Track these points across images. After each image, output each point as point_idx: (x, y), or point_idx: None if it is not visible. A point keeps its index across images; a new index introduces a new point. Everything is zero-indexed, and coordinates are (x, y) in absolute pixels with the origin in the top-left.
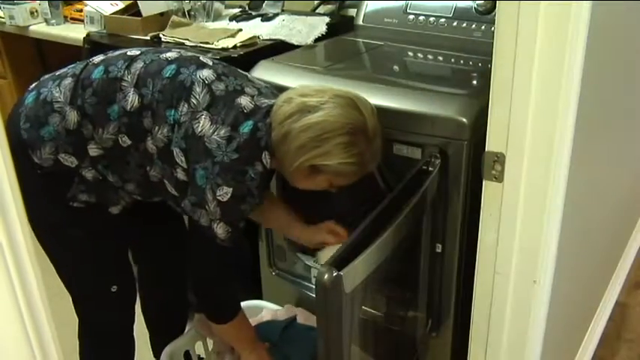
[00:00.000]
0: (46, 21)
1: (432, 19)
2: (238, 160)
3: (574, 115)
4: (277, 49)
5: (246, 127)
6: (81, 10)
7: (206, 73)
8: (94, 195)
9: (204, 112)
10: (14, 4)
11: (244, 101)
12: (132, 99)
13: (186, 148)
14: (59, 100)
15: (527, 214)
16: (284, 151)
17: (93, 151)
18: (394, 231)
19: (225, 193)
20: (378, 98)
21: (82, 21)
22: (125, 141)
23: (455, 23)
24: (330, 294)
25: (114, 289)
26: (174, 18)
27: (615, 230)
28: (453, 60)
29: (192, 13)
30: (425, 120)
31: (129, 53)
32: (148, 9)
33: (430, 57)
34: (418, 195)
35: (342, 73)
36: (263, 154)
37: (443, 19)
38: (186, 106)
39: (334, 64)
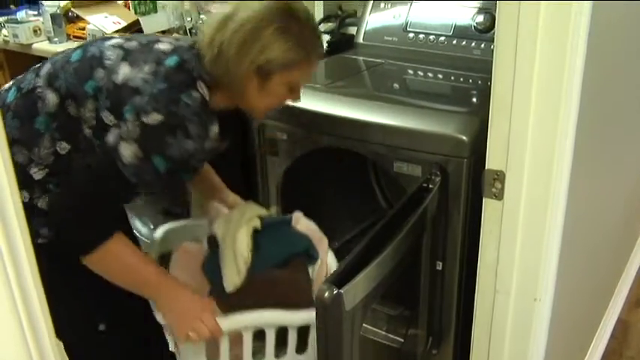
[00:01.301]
0: (49, 39)
1: (431, 37)
2: (169, 89)
3: (573, 132)
4: None
5: (171, 61)
6: (83, 29)
7: (114, 40)
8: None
9: (122, 63)
10: (18, 23)
11: (163, 46)
12: (50, 98)
13: (112, 102)
14: None
15: (528, 231)
16: (225, 69)
17: (37, 174)
18: (394, 248)
19: (153, 118)
20: (378, 116)
21: (85, 39)
22: (64, 147)
23: (454, 41)
24: (330, 312)
25: (101, 327)
26: (175, 36)
27: (616, 247)
28: (452, 78)
29: (194, 30)
30: (425, 137)
31: (36, 67)
32: (149, 27)
33: (430, 75)
34: (418, 212)
35: (342, 90)
36: (197, 83)
37: (442, 37)
38: (101, 70)
39: (335, 81)
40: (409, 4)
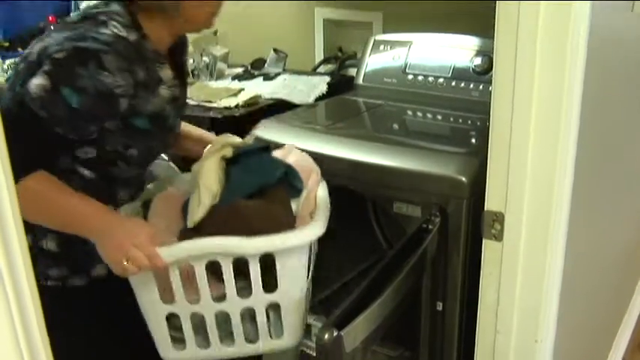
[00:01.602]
0: None
1: (430, 78)
2: (75, 34)
3: (572, 174)
4: (279, 107)
5: (74, 16)
6: None
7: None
8: (63, 258)
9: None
10: None
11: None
12: None
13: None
14: None
15: (528, 273)
16: None
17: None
18: (395, 289)
19: (62, 53)
20: (378, 157)
21: None
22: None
23: (453, 83)
24: (330, 354)
25: None
26: None
27: (618, 288)
28: (451, 119)
29: (196, 72)
30: (424, 178)
31: None
32: None
33: (429, 116)
34: (418, 253)
35: (342, 132)
36: (108, 24)
37: (441, 79)
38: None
39: (335, 123)
40: (408, 46)
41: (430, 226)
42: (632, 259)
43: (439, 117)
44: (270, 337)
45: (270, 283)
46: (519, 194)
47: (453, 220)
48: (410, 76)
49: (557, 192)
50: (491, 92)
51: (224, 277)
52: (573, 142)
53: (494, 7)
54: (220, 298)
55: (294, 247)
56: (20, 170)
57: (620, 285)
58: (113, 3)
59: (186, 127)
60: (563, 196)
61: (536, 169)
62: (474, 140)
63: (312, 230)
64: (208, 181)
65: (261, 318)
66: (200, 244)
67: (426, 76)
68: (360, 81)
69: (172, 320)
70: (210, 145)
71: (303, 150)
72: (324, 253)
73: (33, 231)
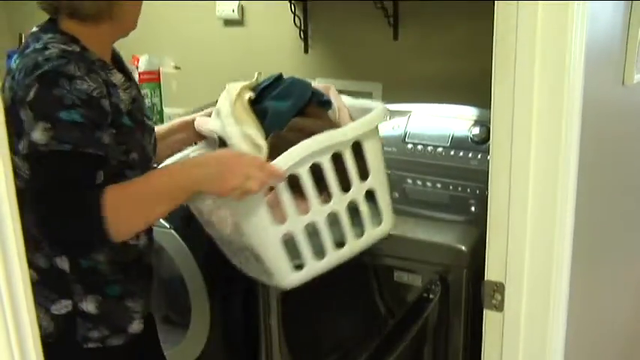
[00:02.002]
0: None
1: (429, 147)
2: (24, 67)
3: (570, 244)
4: None
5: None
6: None
7: None
8: (102, 319)
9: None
10: None
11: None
12: None
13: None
14: None
15: (530, 343)
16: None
17: (63, 262)
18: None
19: (31, 89)
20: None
21: None
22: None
23: (452, 152)
24: None
25: None
26: None
27: (622, 356)
28: (451, 187)
29: None
30: (424, 247)
31: None
32: None
33: (429, 184)
34: (419, 323)
35: None
36: (49, 46)
37: (440, 148)
38: None
39: None
40: (407, 116)
41: (431, 296)
42: (635, 325)
43: (439, 185)
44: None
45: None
46: (519, 264)
47: (454, 289)
48: (409, 145)
49: (557, 262)
50: (489, 161)
51: (327, 175)
52: (571, 212)
53: (491, 78)
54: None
55: (377, 125)
56: (93, 201)
57: (624, 353)
58: (41, 31)
59: (160, 127)
60: (563, 266)
61: (535, 239)
62: (473, 209)
63: (379, 112)
64: (248, 125)
65: (364, 207)
66: (307, 144)
67: (425, 145)
68: None
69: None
70: (219, 101)
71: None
72: (324, 320)
73: (71, 295)
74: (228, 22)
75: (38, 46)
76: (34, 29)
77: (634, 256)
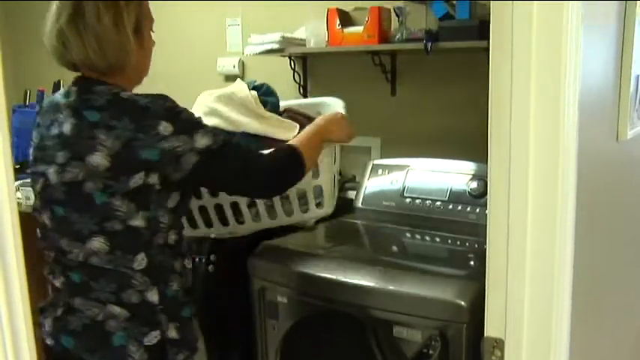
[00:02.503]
0: None
1: (428, 202)
2: (138, 105)
3: (570, 299)
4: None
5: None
6: None
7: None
8: (183, 342)
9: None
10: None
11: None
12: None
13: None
14: None
15: None
16: (113, 50)
17: (153, 295)
18: None
19: (163, 123)
20: (377, 281)
21: None
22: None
23: (450, 206)
24: None
25: None
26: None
27: None
28: (449, 241)
29: None
30: (424, 303)
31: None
32: None
33: (428, 238)
34: None
35: (342, 255)
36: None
37: (439, 202)
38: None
39: (335, 246)
40: (406, 171)
41: (431, 351)
42: None
43: (437, 239)
44: None
45: None
46: (518, 320)
47: (454, 345)
48: (408, 200)
49: (556, 317)
50: (487, 215)
51: None
52: (569, 266)
53: (487, 133)
54: None
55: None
56: (293, 152)
57: None
58: (85, 84)
59: None
60: (563, 321)
61: (534, 295)
62: (472, 263)
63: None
64: (273, 117)
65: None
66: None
67: (423, 200)
68: (360, 204)
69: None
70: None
71: (304, 273)
72: None
73: (159, 325)
74: (229, 78)
75: (107, 97)
76: (70, 89)
77: (632, 307)
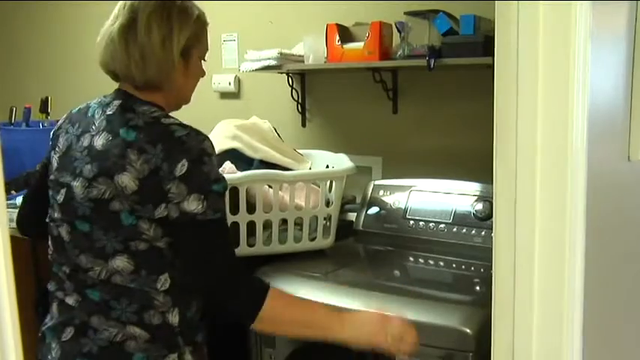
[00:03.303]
0: None
1: (431, 224)
2: (174, 136)
3: (580, 330)
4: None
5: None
6: None
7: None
8: None
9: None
10: (16, 208)
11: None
12: None
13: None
14: None
15: None
16: (155, 70)
17: (158, 319)
18: None
19: (181, 165)
20: (378, 307)
21: None
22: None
23: (455, 229)
24: None
25: None
26: None
27: None
28: (454, 265)
29: None
30: (427, 330)
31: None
32: None
33: (431, 262)
34: None
35: (342, 279)
36: (153, 113)
37: (442, 225)
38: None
39: (334, 270)
40: (408, 192)
41: None
42: None
43: (441, 263)
44: None
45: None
46: (526, 350)
47: None
48: (411, 222)
49: (566, 347)
50: (493, 238)
51: None
52: (580, 293)
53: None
54: None
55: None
56: (258, 290)
57: None
58: (125, 100)
59: None
60: (573, 352)
61: (543, 324)
62: (478, 288)
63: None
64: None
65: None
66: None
67: (427, 222)
68: (360, 226)
69: None
70: None
71: (302, 298)
72: None
73: (177, 347)
74: (225, 95)
75: (147, 119)
76: (111, 101)
77: None
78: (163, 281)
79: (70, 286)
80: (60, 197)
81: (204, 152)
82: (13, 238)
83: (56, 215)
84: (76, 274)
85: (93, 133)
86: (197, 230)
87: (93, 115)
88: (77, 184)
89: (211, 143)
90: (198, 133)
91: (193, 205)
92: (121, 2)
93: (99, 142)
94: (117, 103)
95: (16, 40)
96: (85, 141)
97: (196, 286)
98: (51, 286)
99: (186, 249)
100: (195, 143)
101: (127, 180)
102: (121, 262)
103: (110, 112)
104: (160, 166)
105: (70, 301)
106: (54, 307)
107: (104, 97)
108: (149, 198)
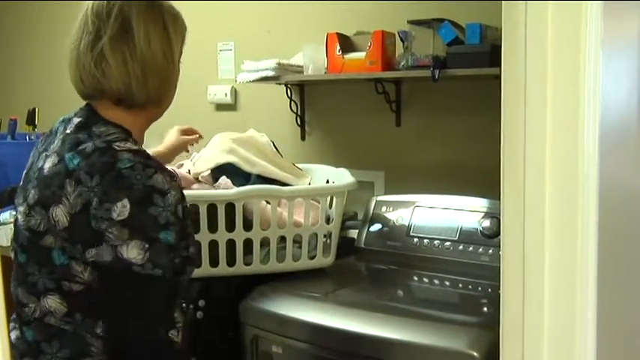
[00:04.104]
0: None
1: (436, 242)
2: (114, 170)
3: (594, 354)
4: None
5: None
6: None
7: None
8: None
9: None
10: (1, 225)
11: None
12: None
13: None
14: None
15: None
16: (158, 82)
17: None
18: None
19: (120, 206)
20: (381, 329)
21: None
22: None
23: (461, 247)
24: None
25: None
26: None
27: None
28: (460, 285)
29: None
30: (432, 353)
31: None
32: None
33: (436, 281)
34: None
35: (342, 300)
36: (118, 144)
37: (448, 242)
38: None
39: (334, 290)
40: (412, 208)
41: None
42: None
43: (447, 283)
44: None
45: None
46: None
47: None
48: (414, 239)
49: None
50: (500, 257)
51: None
52: (593, 314)
53: (500, 170)
54: None
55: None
56: None
57: None
58: (85, 120)
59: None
60: None
61: (554, 347)
62: (485, 309)
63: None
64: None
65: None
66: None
67: (431, 239)
68: (362, 244)
69: None
70: None
71: (301, 320)
72: None
73: None
74: (220, 107)
75: (98, 143)
76: (73, 117)
77: None
78: (104, 327)
79: (17, 319)
80: (15, 221)
81: (154, 189)
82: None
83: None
84: (18, 308)
85: (48, 154)
86: (129, 281)
87: (55, 133)
88: (21, 210)
89: (166, 177)
90: (147, 165)
91: (133, 252)
92: (85, 12)
93: (47, 165)
94: (76, 120)
95: (3, 49)
96: (41, 161)
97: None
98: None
99: (109, 299)
100: (140, 178)
101: (59, 214)
102: (53, 303)
103: (68, 131)
104: (91, 202)
105: (13, 336)
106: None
107: (75, 111)
108: (79, 237)
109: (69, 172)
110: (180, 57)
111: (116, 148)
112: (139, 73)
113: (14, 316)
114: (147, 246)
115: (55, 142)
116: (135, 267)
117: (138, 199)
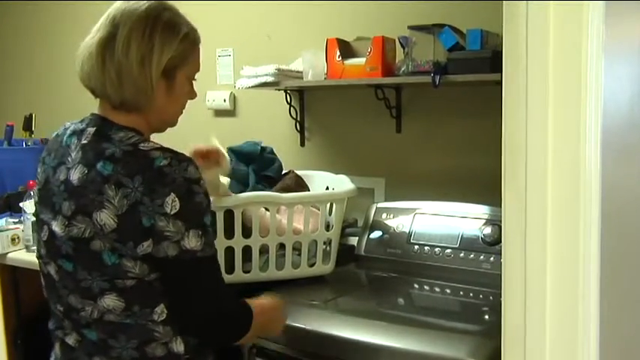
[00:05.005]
0: (27, 247)
1: (437, 249)
2: (155, 169)
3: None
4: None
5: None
6: None
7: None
8: None
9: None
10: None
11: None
12: None
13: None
14: None
15: None
16: (132, 90)
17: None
18: None
19: (170, 200)
20: (381, 337)
21: None
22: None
23: (462, 254)
24: None
25: None
26: None
27: None
28: (461, 293)
29: None
30: None
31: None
32: None
33: (437, 289)
34: None
35: (342, 307)
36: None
37: (449, 250)
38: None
39: (335, 297)
40: (413, 215)
41: None
42: None
43: (448, 291)
44: None
45: None
46: None
47: None
48: (415, 246)
49: None
50: (502, 264)
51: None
52: (595, 322)
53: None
54: None
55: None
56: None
57: None
58: (101, 127)
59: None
60: None
61: (555, 356)
62: (487, 317)
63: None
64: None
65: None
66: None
67: (432, 247)
68: (362, 251)
69: None
70: None
71: (300, 329)
72: None
73: None
74: (219, 113)
75: (125, 147)
76: (85, 127)
77: None
78: (160, 312)
79: (68, 325)
80: (44, 235)
81: (191, 181)
82: None
83: (43, 252)
84: (70, 314)
85: (69, 166)
86: (195, 268)
87: (68, 145)
88: (57, 223)
89: (195, 166)
90: (179, 159)
91: (193, 242)
92: (106, 14)
93: (75, 176)
94: (91, 130)
95: None
96: (62, 174)
97: (186, 322)
98: (51, 324)
99: (180, 286)
100: (178, 172)
101: (105, 217)
102: (110, 301)
103: (85, 142)
104: (141, 201)
105: (70, 341)
106: (57, 347)
107: (80, 121)
108: (129, 235)
109: (105, 178)
110: (174, 70)
111: (143, 149)
112: (113, 77)
113: (56, 324)
114: (200, 232)
115: (74, 154)
116: (198, 253)
117: (183, 191)
